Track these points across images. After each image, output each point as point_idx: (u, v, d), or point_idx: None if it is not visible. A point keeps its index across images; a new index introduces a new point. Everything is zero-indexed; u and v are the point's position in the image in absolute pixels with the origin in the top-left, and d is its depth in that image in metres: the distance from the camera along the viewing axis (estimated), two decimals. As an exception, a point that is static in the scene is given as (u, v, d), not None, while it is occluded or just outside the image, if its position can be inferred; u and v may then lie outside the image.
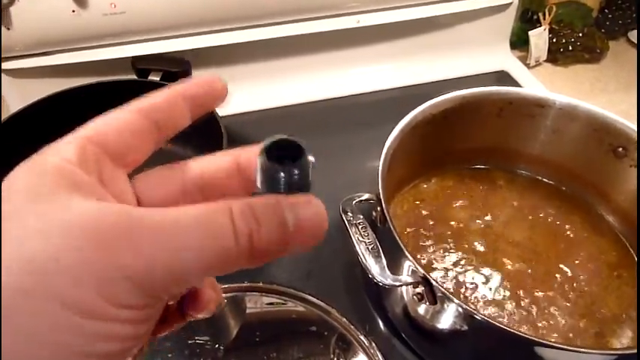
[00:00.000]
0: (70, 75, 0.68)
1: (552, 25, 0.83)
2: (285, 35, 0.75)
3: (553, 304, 0.51)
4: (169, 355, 0.50)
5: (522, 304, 0.51)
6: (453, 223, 0.57)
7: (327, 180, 0.63)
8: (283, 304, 0.54)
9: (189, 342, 0.51)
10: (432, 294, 0.41)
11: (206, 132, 0.59)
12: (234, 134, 0.74)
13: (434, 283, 0.40)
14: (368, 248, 0.41)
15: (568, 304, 0.51)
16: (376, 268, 0.40)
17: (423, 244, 0.55)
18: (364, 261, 0.41)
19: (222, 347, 0.50)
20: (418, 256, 0.54)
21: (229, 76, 0.78)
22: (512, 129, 0.59)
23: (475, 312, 0.39)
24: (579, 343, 0.48)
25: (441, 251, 0.55)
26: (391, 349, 0.52)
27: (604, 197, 0.58)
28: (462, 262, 0.54)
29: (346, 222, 0.43)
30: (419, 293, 0.42)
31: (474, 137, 0.60)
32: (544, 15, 0.82)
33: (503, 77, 0.85)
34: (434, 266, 0.54)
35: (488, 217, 0.58)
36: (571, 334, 0.49)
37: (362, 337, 0.50)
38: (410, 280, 0.41)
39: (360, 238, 0.42)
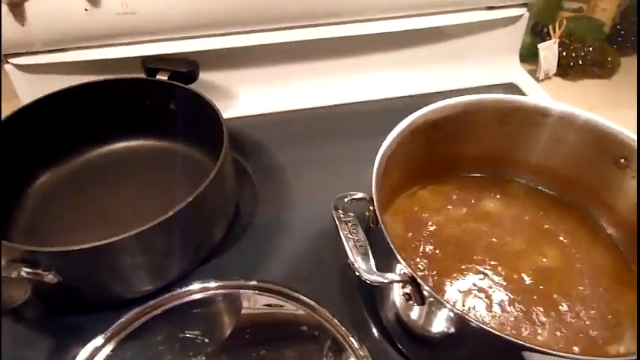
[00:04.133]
0: (81, 72, 0.70)
1: (563, 38, 0.83)
2: (294, 40, 0.76)
3: (549, 311, 0.50)
4: (160, 348, 0.50)
5: (519, 312, 0.50)
6: (450, 230, 0.57)
7: (328, 184, 0.65)
8: (278, 304, 0.54)
9: (180, 335, 0.51)
10: (419, 294, 0.41)
11: (208, 131, 0.60)
12: (240, 136, 0.75)
13: (421, 282, 0.40)
14: (356, 245, 0.41)
15: (564, 312, 0.50)
16: (362, 265, 0.40)
17: (419, 250, 0.55)
18: (351, 258, 0.40)
19: (212, 343, 0.50)
20: (413, 262, 0.54)
21: (236, 79, 0.80)
22: (515, 137, 0.59)
23: (461, 312, 0.39)
24: (573, 350, 0.47)
25: (437, 258, 0.54)
26: (384, 355, 0.51)
27: (606, 209, 0.57)
28: (458, 270, 0.53)
29: (336, 219, 0.43)
30: (407, 293, 0.42)
31: (476, 145, 0.59)
32: (554, 28, 0.82)
33: (511, 90, 0.84)
34: (428, 272, 0.53)
35: (486, 226, 0.57)
36: (563, 342, 0.48)
37: (354, 342, 0.50)
38: (397, 278, 0.40)
39: (349, 236, 0.42)
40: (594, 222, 0.58)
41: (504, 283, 0.52)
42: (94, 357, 0.49)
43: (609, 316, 0.50)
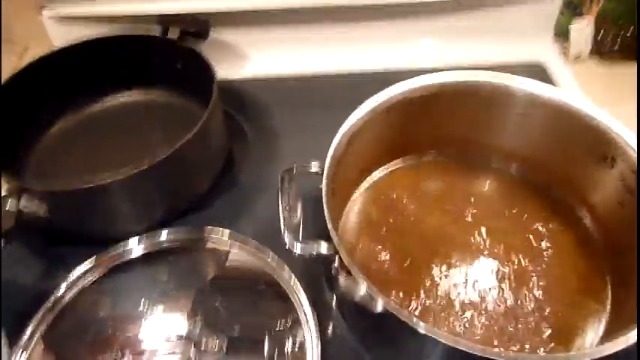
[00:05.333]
0: (106, 25, 0.75)
1: (598, 19, 0.77)
2: (310, 6, 0.76)
3: (502, 303, 0.50)
4: (132, 284, 0.56)
5: (464, 301, 0.50)
6: (418, 210, 0.57)
7: (321, 151, 0.65)
8: (245, 258, 0.57)
9: (151, 276, 0.56)
10: (344, 267, 0.42)
11: (207, 88, 0.62)
12: (246, 97, 0.77)
13: (343, 256, 0.41)
14: (290, 215, 0.43)
15: (516, 306, 0.50)
16: (290, 234, 0.42)
17: (383, 227, 0.56)
18: (282, 226, 0.43)
19: (176, 286, 0.55)
20: (378, 247, 0.54)
21: (249, 41, 0.82)
22: (499, 123, 0.57)
23: (373, 290, 0.39)
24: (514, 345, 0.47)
25: (399, 236, 0.55)
26: (331, 321, 0.53)
27: (588, 206, 0.55)
28: (418, 250, 0.54)
29: (279, 188, 0.45)
30: (335, 267, 0.43)
31: (458, 127, 0.58)
32: (589, 7, 0.75)
33: (536, 70, 0.80)
34: (388, 251, 0.54)
35: (456, 209, 0.57)
36: (508, 337, 0.48)
37: (306, 305, 0.51)
38: (323, 251, 0.42)
39: (287, 207, 0.44)
40: (575, 217, 0.56)
41: (462, 271, 0.52)
42: (74, 285, 0.55)
43: (567, 316, 0.49)
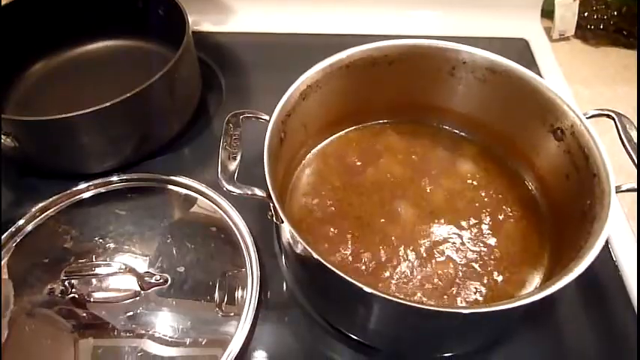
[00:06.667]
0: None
1: (586, -3, 0.76)
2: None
3: (441, 262, 0.51)
4: (94, 218, 0.58)
5: (407, 258, 0.51)
6: (371, 172, 0.58)
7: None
8: (201, 204, 0.59)
9: (113, 211, 0.59)
10: (276, 213, 0.44)
11: (175, 27, 0.64)
12: (227, 51, 0.78)
13: (275, 201, 0.42)
14: (229, 157, 0.45)
15: (454, 265, 0.51)
16: (224, 174, 0.43)
17: (333, 189, 0.57)
18: (219, 166, 0.44)
19: (131, 223, 0.58)
20: (327, 202, 0.55)
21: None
22: (456, 90, 0.57)
23: (299, 235, 0.41)
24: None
25: (350, 198, 0.56)
26: (275, 271, 0.55)
27: (536, 174, 0.56)
28: (368, 212, 0.55)
29: (224, 130, 0.47)
30: (269, 211, 0.45)
31: (416, 92, 0.59)
32: (577, -16, 0.75)
33: (519, 47, 0.79)
34: (335, 210, 0.55)
35: (410, 171, 0.58)
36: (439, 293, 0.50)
37: (253, 253, 0.54)
38: (258, 192, 0.43)
39: (227, 147, 0.45)
40: (523, 185, 0.57)
41: (407, 230, 0.53)
42: (36, 216, 0.58)
43: (497, 283, 0.51)
